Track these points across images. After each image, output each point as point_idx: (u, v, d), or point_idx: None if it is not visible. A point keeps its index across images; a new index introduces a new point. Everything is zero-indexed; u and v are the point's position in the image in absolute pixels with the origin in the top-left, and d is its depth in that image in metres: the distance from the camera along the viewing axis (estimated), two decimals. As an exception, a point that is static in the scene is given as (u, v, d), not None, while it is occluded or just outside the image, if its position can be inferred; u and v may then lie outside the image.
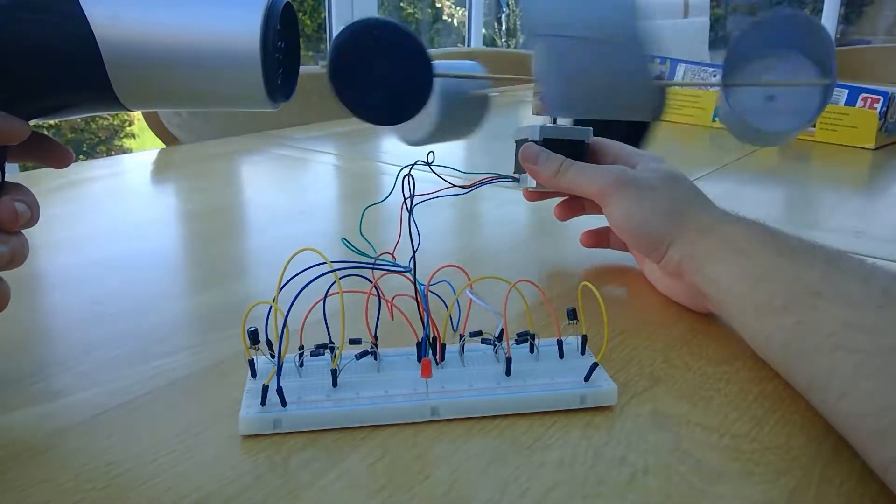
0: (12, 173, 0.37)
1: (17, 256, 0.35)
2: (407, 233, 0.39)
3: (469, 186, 0.51)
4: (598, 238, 0.56)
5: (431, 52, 0.40)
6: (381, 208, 0.44)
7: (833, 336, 0.34)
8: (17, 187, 0.35)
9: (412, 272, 0.37)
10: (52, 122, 0.38)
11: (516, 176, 0.53)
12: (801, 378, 0.36)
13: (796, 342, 0.36)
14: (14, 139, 0.34)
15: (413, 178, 0.40)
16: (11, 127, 0.33)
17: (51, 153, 0.37)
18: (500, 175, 0.52)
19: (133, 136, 2.99)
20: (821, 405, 0.35)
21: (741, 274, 0.40)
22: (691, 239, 0.44)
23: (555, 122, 0.51)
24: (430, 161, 0.44)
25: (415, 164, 0.42)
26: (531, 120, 0.53)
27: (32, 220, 0.35)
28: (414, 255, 0.38)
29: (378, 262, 0.39)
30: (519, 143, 0.52)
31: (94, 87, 0.33)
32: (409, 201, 0.39)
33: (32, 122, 0.35)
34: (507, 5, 4.84)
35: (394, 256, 0.39)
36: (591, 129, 0.52)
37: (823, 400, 0.34)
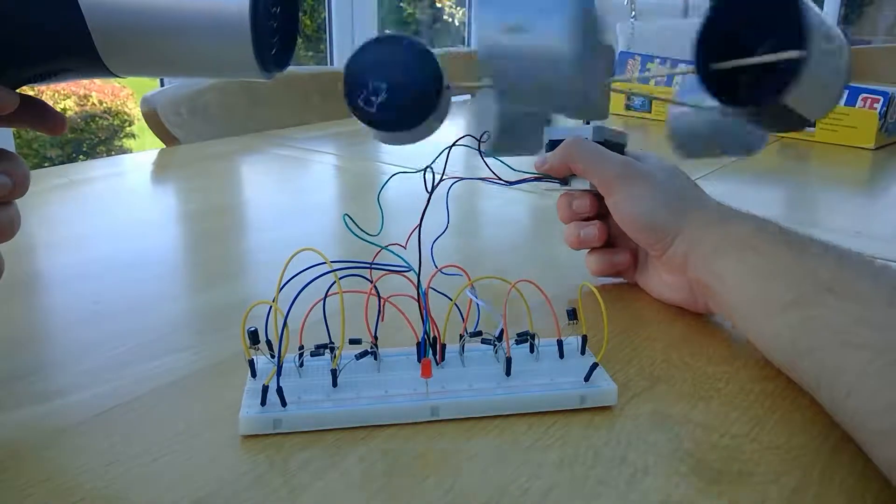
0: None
1: (5, 229, 0.33)
2: (432, 219, 0.37)
3: (512, 182, 0.47)
4: (605, 263, 0.52)
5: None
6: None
7: (842, 332, 0.34)
8: (9, 157, 0.34)
9: (415, 271, 0.37)
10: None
11: (563, 179, 0.50)
12: (810, 375, 0.36)
13: (805, 338, 0.35)
14: (2, 110, 0.32)
15: (433, 172, 0.39)
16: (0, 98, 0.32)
17: (43, 118, 0.36)
18: (546, 176, 0.50)
19: (133, 136, 2.99)
20: (829, 402, 0.35)
21: (751, 271, 0.40)
22: (699, 231, 0.44)
23: (586, 123, 0.49)
24: (481, 140, 0.41)
25: (461, 137, 0.40)
26: (566, 122, 0.51)
27: (16, 192, 0.34)
28: (419, 253, 0.38)
29: (378, 262, 0.38)
30: (553, 143, 0.50)
31: (81, 53, 0.32)
32: (433, 184, 0.36)
33: (21, 89, 0.33)
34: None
35: (405, 246, 0.38)
36: (627, 133, 0.51)
37: (831, 397, 0.34)
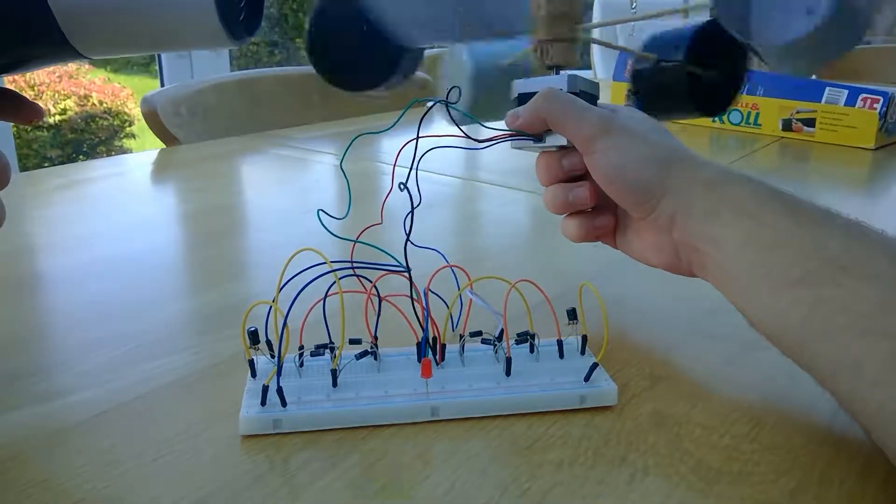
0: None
1: None
2: (410, 205, 0.37)
3: (484, 141, 0.44)
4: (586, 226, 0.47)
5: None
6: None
7: (864, 318, 0.31)
8: None
9: (409, 273, 0.37)
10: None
11: (537, 135, 0.45)
12: (823, 362, 0.33)
13: (818, 321, 0.33)
14: None
15: (407, 189, 0.37)
16: None
17: (19, 109, 0.36)
18: (519, 133, 0.45)
19: (133, 136, 2.99)
20: (847, 393, 0.32)
21: (749, 239, 0.37)
22: (689, 191, 0.40)
23: (555, 71, 0.46)
24: (446, 101, 0.39)
25: (438, 101, 0.39)
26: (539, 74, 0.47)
27: None
28: (405, 255, 0.38)
29: (378, 263, 0.39)
30: (523, 96, 0.46)
31: (47, 37, 0.31)
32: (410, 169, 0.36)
33: None
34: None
35: (381, 217, 0.37)
36: (599, 84, 0.48)
37: (851, 388, 0.32)
